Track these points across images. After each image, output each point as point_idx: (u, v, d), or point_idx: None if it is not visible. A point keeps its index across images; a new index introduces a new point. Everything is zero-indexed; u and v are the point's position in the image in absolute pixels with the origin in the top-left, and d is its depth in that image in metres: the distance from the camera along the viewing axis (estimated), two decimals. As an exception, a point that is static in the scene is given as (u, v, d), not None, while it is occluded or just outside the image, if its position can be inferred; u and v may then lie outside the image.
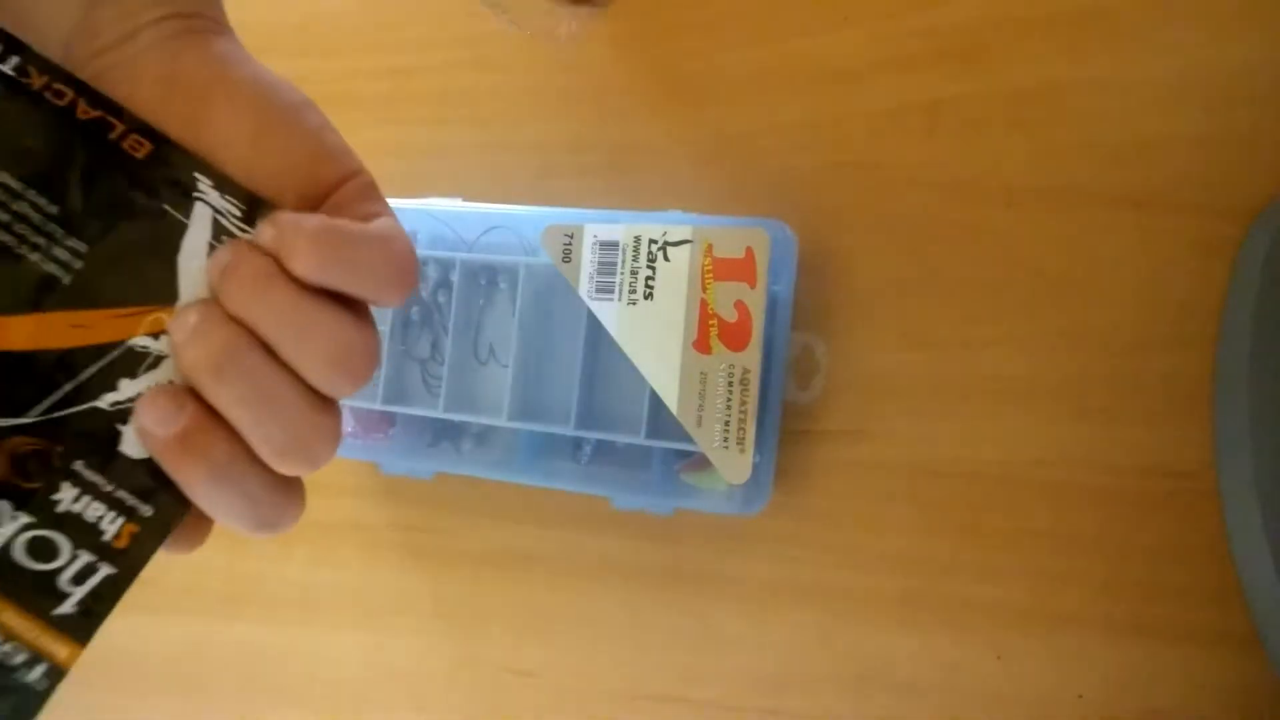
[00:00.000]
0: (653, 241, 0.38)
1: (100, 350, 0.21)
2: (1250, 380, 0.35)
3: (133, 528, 0.22)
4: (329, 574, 0.47)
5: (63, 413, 0.21)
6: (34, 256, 0.21)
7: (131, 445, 0.22)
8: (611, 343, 0.39)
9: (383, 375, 0.42)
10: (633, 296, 0.38)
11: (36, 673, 0.21)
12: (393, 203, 0.45)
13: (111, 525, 0.22)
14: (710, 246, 0.38)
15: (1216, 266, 0.38)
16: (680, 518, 0.42)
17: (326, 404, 0.22)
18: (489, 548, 0.45)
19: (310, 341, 0.21)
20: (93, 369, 0.21)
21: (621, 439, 0.40)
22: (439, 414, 0.41)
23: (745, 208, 0.42)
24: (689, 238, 0.38)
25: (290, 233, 0.21)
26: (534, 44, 0.46)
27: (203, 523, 0.23)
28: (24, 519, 0.21)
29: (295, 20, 0.50)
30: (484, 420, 0.41)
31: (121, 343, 0.22)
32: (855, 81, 0.42)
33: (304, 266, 0.21)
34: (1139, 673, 0.37)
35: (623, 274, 0.39)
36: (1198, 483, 0.37)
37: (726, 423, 0.37)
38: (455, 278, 0.42)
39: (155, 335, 0.22)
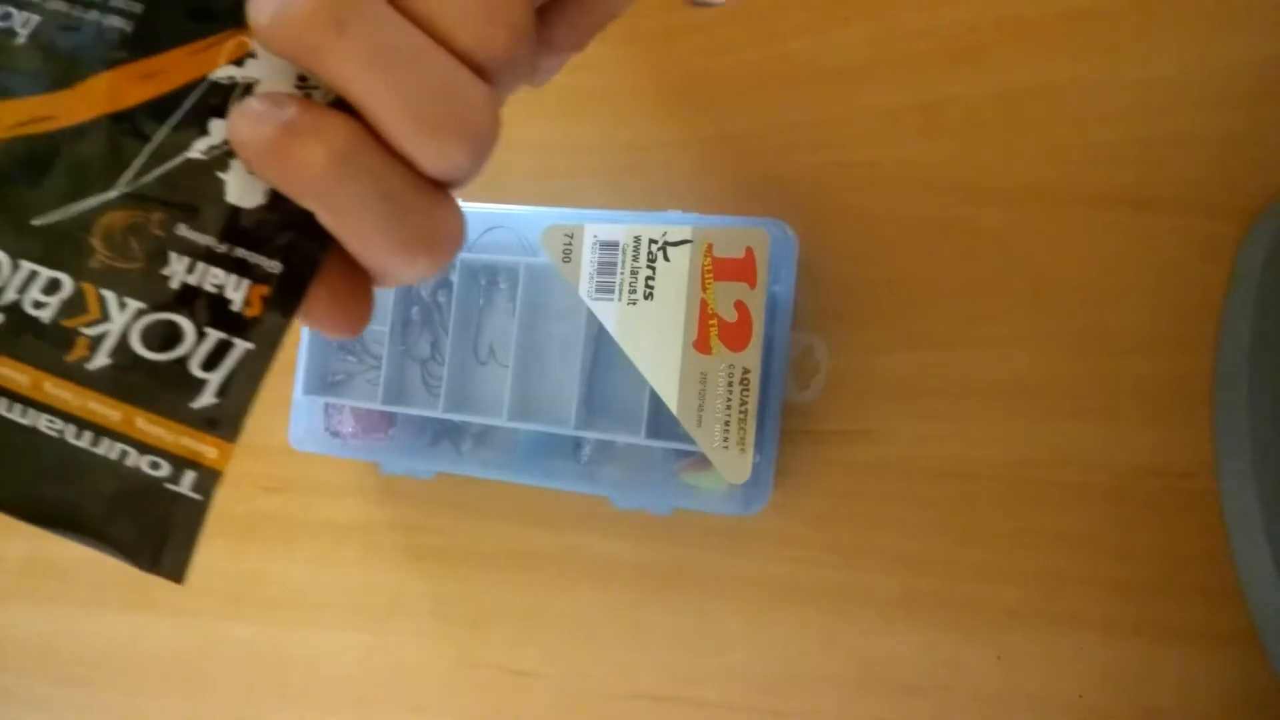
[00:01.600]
0: (653, 241, 0.38)
1: (180, 94, 0.18)
2: (1250, 380, 0.35)
3: (262, 290, 0.18)
4: (329, 574, 0.47)
5: (152, 174, 0.18)
6: (91, 15, 0.19)
7: (240, 193, 0.18)
8: (611, 343, 0.39)
9: (383, 375, 0.42)
10: (633, 296, 0.38)
11: (187, 481, 0.18)
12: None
13: (237, 292, 0.18)
14: (710, 246, 0.38)
15: (1216, 266, 0.38)
16: (680, 518, 0.42)
17: (477, 72, 0.17)
18: (489, 548, 0.45)
19: None
20: (176, 117, 0.18)
21: (621, 439, 0.40)
22: (439, 414, 0.41)
23: (745, 208, 0.42)
24: (689, 238, 0.38)
25: None
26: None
27: (353, 281, 0.19)
28: (134, 304, 0.18)
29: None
30: (484, 420, 0.41)
31: (202, 79, 0.18)
32: (855, 81, 0.42)
33: None
34: (1139, 673, 0.37)
35: (623, 274, 0.39)
36: (1198, 483, 0.37)
37: (726, 423, 0.37)
38: (455, 278, 0.42)
39: (239, 61, 0.18)
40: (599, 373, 0.41)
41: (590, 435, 0.40)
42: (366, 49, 0.16)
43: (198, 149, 0.18)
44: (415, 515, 0.46)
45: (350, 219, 0.17)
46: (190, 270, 0.18)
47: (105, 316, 0.18)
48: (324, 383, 0.45)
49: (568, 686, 0.43)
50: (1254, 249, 0.36)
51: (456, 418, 0.42)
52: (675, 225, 0.38)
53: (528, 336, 0.42)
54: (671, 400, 0.38)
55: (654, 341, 0.38)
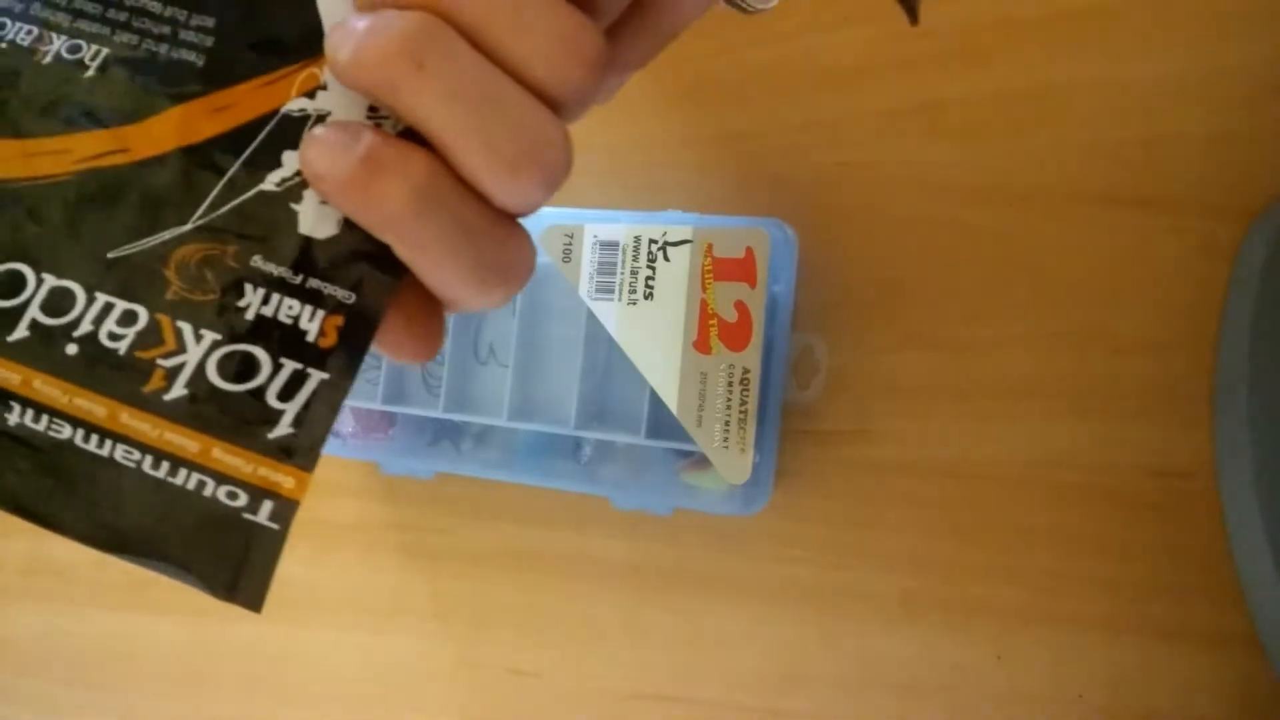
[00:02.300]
0: (653, 241, 0.38)
1: (253, 127, 0.18)
2: (1250, 380, 0.35)
3: (336, 320, 0.18)
4: (329, 574, 0.47)
5: (226, 207, 0.18)
6: (161, 49, 0.19)
7: (314, 224, 0.18)
8: (611, 343, 0.39)
9: (383, 375, 0.42)
10: (633, 296, 0.38)
11: (264, 511, 0.18)
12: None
13: (311, 322, 0.18)
14: (710, 246, 0.38)
15: (1216, 266, 0.38)
16: (680, 518, 0.42)
17: (551, 106, 0.18)
18: (489, 548, 0.45)
19: (529, 22, 0.17)
20: (249, 150, 0.18)
21: (621, 439, 0.40)
22: (439, 414, 0.41)
23: (745, 208, 0.42)
24: (689, 238, 0.38)
25: None
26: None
27: (426, 311, 0.19)
28: (210, 335, 0.18)
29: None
30: (484, 420, 0.41)
31: (275, 113, 0.18)
32: (855, 81, 0.42)
33: None
34: (1139, 673, 0.37)
35: (623, 274, 0.39)
36: (1198, 483, 0.37)
37: (726, 423, 0.37)
38: (455, 278, 0.42)
39: (311, 94, 0.18)
40: (599, 373, 0.41)
41: (590, 435, 0.40)
42: (445, 86, 0.16)
43: (271, 181, 0.18)
44: (415, 515, 0.46)
45: (427, 252, 0.17)
46: (265, 301, 0.18)
47: (181, 348, 0.18)
48: (324, 383, 0.44)
49: (568, 686, 0.43)
50: (1254, 249, 0.36)
51: (456, 418, 0.42)
52: (675, 225, 0.38)
53: (528, 336, 0.42)
54: (671, 400, 0.38)
55: (654, 341, 0.38)
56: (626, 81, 0.24)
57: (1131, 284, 0.38)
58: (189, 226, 0.18)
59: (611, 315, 0.39)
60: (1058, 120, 0.39)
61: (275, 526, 0.18)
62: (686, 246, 0.38)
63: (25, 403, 0.18)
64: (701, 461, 0.39)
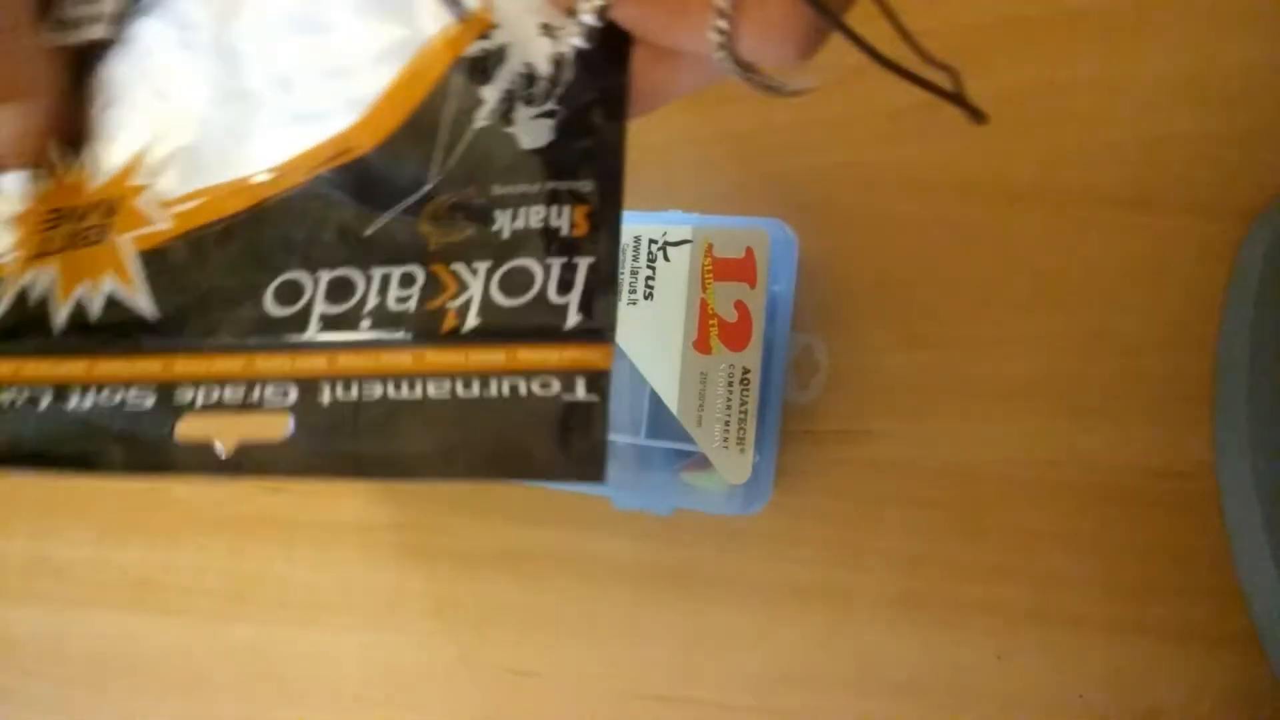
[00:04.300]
0: (653, 241, 0.38)
1: (446, 81, 0.21)
2: (1250, 380, 0.35)
3: (583, 209, 0.20)
4: (329, 574, 0.47)
5: (454, 157, 0.21)
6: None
7: (531, 137, 0.21)
8: (611, 343, 0.39)
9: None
10: (633, 296, 0.38)
11: (580, 389, 0.19)
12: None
13: (561, 219, 0.20)
14: (710, 246, 0.38)
15: (1216, 266, 0.38)
16: (680, 518, 0.42)
17: None
18: (489, 548, 0.45)
19: None
20: (454, 103, 0.21)
21: (621, 439, 0.40)
22: (439, 414, 0.41)
23: (745, 208, 0.42)
24: (689, 238, 0.38)
25: None
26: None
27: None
28: (482, 266, 0.20)
29: (295, 20, 0.50)
30: (484, 420, 0.41)
31: (458, 60, 0.21)
32: (855, 81, 0.42)
33: None
34: (1139, 673, 0.37)
35: (622, 274, 0.39)
36: (1198, 483, 0.37)
37: (726, 423, 0.37)
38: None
39: (485, 35, 0.21)
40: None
41: (590, 435, 0.40)
42: None
43: (480, 119, 0.21)
44: (415, 515, 0.46)
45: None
46: (515, 218, 0.20)
47: (463, 286, 0.20)
48: (324, 383, 0.44)
49: (568, 686, 0.43)
50: (1254, 249, 0.36)
51: (456, 418, 0.42)
52: (675, 225, 0.38)
53: (528, 336, 0.41)
54: (671, 400, 0.38)
55: (654, 341, 0.38)
56: None
57: (1131, 284, 0.38)
58: (428, 186, 0.20)
59: (611, 315, 0.39)
60: (1058, 120, 0.39)
61: (594, 398, 0.19)
62: (686, 246, 0.38)
63: (333, 381, 0.19)
64: (701, 461, 0.39)
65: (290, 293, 0.20)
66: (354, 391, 0.19)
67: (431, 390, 0.19)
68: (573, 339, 0.19)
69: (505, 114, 0.21)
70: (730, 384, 0.37)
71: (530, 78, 0.21)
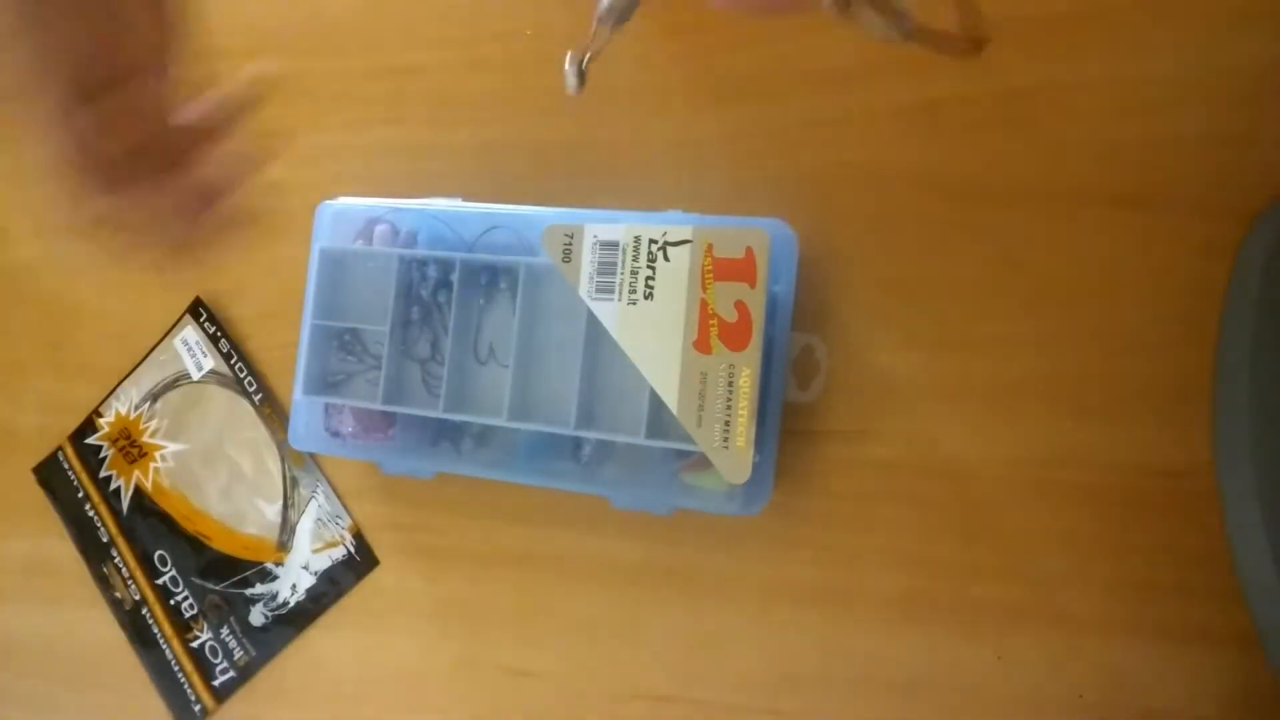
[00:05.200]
0: (653, 241, 0.38)
1: None
2: (1250, 380, 0.35)
3: None
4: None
5: None
6: None
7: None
8: (611, 343, 0.39)
9: (383, 375, 0.42)
10: (633, 296, 0.38)
11: None
12: (393, 203, 0.45)
13: None
14: (710, 246, 0.38)
15: (1216, 266, 0.38)
16: (680, 518, 0.42)
17: None
18: (489, 548, 0.45)
19: None
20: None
21: (621, 439, 0.40)
22: (439, 414, 0.41)
23: (745, 208, 0.42)
24: (689, 238, 0.38)
25: None
26: (535, 44, 0.46)
27: None
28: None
29: (297, 20, 0.50)
30: (484, 420, 0.41)
31: None
32: (855, 81, 0.42)
33: None
34: (1139, 673, 0.37)
35: (623, 274, 0.39)
36: (1198, 483, 0.37)
37: (727, 423, 0.37)
38: (455, 278, 0.42)
39: None
40: (599, 373, 0.41)
41: (590, 435, 0.40)
42: None
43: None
44: (415, 515, 0.46)
45: None
46: None
47: None
48: (324, 383, 0.44)
49: (568, 686, 0.43)
50: (1254, 249, 0.36)
51: (456, 418, 0.42)
52: (675, 225, 0.38)
53: (528, 336, 0.41)
54: (671, 400, 0.38)
55: (654, 341, 0.38)
56: None
57: (1131, 284, 0.38)
58: None
59: (611, 315, 0.39)
60: (1058, 120, 0.39)
61: None
62: (686, 246, 0.38)
63: None
64: (701, 461, 0.39)
65: None
66: None
67: None
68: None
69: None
70: (730, 384, 0.37)
71: None
